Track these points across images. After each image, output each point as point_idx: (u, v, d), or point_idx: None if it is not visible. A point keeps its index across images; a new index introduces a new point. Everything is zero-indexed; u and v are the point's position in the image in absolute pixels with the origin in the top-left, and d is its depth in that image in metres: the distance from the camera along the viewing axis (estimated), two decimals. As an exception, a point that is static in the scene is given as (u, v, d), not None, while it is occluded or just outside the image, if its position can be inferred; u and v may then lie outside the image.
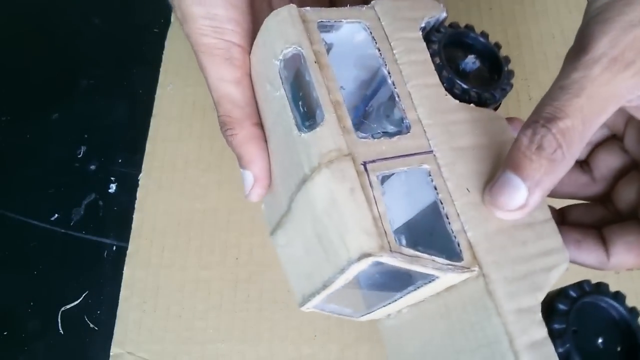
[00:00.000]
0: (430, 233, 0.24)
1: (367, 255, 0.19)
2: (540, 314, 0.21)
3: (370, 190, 0.21)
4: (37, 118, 0.48)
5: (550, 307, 0.23)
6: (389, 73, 0.24)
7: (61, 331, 0.40)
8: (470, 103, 0.25)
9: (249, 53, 0.25)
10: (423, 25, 0.26)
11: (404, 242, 0.22)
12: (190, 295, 0.40)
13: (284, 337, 0.38)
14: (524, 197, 0.21)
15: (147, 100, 0.47)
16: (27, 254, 0.43)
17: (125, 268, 0.41)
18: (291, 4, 0.24)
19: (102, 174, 0.45)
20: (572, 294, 0.23)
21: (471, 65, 0.27)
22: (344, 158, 0.21)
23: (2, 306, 0.41)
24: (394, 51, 0.25)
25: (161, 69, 0.48)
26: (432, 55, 0.25)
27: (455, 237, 0.22)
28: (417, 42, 0.25)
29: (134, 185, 0.44)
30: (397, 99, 0.24)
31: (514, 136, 0.22)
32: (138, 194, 0.44)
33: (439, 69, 0.25)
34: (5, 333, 0.40)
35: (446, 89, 0.25)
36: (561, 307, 0.23)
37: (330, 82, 0.23)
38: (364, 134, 0.22)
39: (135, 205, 0.43)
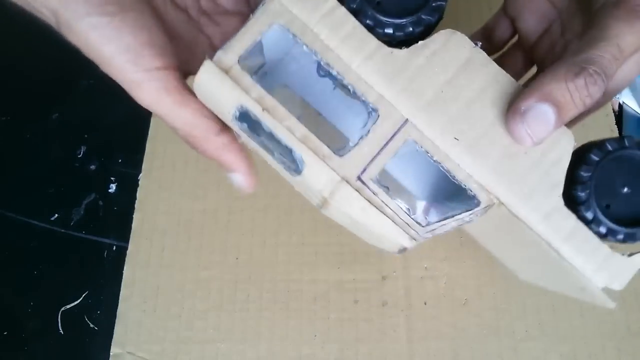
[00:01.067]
0: (449, 190, 0.25)
1: (403, 249, 0.24)
2: (564, 207, 0.24)
3: (377, 197, 0.23)
4: (37, 118, 0.48)
5: (581, 158, 0.25)
6: (328, 65, 0.23)
7: (61, 331, 0.40)
8: (413, 39, 0.24)
9: (175, 64, 0.24)
10: None
11: (430, 215, 0.25)
12: (190, 295, 0.40)
13: (284, 337, 0.38)
14: (551, 130, 0.22)
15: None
16: (27, 254, 0.43)
17: (125, 268, 0.41)
18: (206, 60, 0.23)
19: (102, 174, 0.45)
20: (594, 157, 0.25)
21: None
22: (340, 185, 0.23)
23: (2, 306, 0.41)
24: (321, 37, 0.23)
25: (161, 69, 0.48)
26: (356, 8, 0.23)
27: (465, 185, 0.24)
28: (336, 10, 0.23)
29: (134, 185, 0.44)
30: (351, 89, 0.24)
31: (472, 45, 0.23)
32: (138, 194, 0.44)
33: (361, 17, 0.23)
34: (5, 333, 0.40)
35: (379, 35, 0.23)
36: (583, 173, 0.25)
37: (287, 120, 0.23)
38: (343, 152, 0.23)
39: (135, 205, 0.43)
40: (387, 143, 0.23)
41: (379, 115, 0.23)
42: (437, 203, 0.25)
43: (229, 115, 0.24)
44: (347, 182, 0.23)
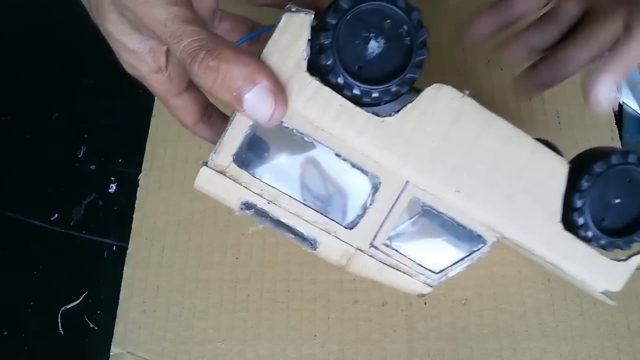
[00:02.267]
0: (459, 237, 0.27)
1: (422, 295, 0.27)
2: (562, 231, 0.26)
3: (390, 257, 0.26)
4: (37, 118, 0.48)
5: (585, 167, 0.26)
6: (321, 144, 0.24)
7: (61, 331, 0.40)
8: (391, 97, 0.24)
9: None
10: (303, 52, 0.23)
11: (442, 264, 0.27)
12: (190, 295, 0.40)
13: (284, 337, 0.38)
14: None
15: (147, 100, 0.47)
16: (27, 254, 0.43)
17: (125, 268, 0.41)
18: (202, 168, 0.24)
19: (102, 174, 0.45)
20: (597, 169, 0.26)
21: (375, 50, 0.23)
22: (355, 254, 0.25)
23: (2, 306, 0.41)
24: (310, 120, 0.23)
25: (161, 69, 0.48)
26: (326, 61, 0.23)
27: (472, 230, 0.26)
28: (319, 91, 0.23)
29: (134, 185, 0.44)
30: (351, 165, 0.24)
31: (460, 95, 0.24)
32: (138, 194, 0.44)
33: (346, 90, 0.23)
34: (5, 333, 0.40)
35: (367, 101, 0.24)
36: (584, 183, 0.26)
37: (293, 206, 0.25)
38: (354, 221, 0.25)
39: (135, 205, 0.43)
40: (392, 207, 0.25)
41: (380, 182, 0.24)
42: (446, 249, 0.27)
43: (235, 207, 0.25)
44: (361, 250, 0.25)
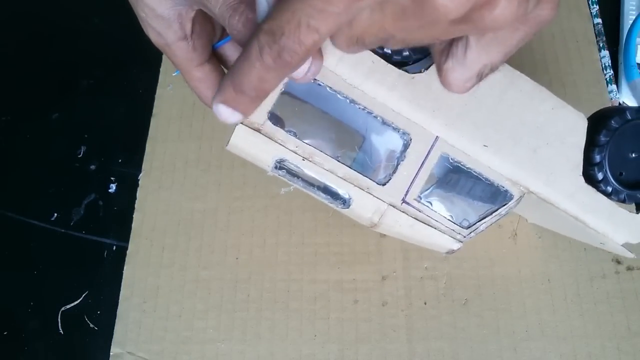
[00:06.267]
0: (486, 193, 0.27)
1: (452, 251, 0.27)
2: (584, 184, 0.26)
3: (422, 213, 0.26)
4: (37, 118, 0.48)
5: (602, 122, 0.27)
6: (354, 102, 0.24)
7: (61, 331, 0.40)
8: (422, 55, 0.24)
9: None
10: None
11: (470, 216, 0.27)
12: (190, 295, 0.40)
13: (284, 337, 0.38)
14: None
15: (147, 100, 0.47)
16: (27, 254, 0.43)
17: (125, 268, 0.41)
18: (237, 126, 0.24)
19: (102, 174, 0.45)
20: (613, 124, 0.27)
21: None
22: (387, 210, 0.26)
23: (2, 306, 0.41)
24: (344, 78, 0.24)
25: (161, 69, 0.48)
26: None
27: (498, 185, 0.26)
28: None
29: (134, 185, 0.44)
30: (380, 120, 0.25)
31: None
32: (138, 194, 0.44)
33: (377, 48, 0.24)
34: (5, 333, 0.40)
35: (397, 60, 0.24)
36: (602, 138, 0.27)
37: (327, 163, 0.25)
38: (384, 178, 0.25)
39: (135, 205, 0.43)
40: (423, 162, 0.25)
41: (411, 139, 0.25)
42: (474, 204, 0.27)
43: (268, 167, 0.25)
44: (393, 206, 0.26)
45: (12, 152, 0.47)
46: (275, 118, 0.25)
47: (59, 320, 0.40)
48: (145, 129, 0.46)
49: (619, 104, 0.45)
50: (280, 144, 0.25)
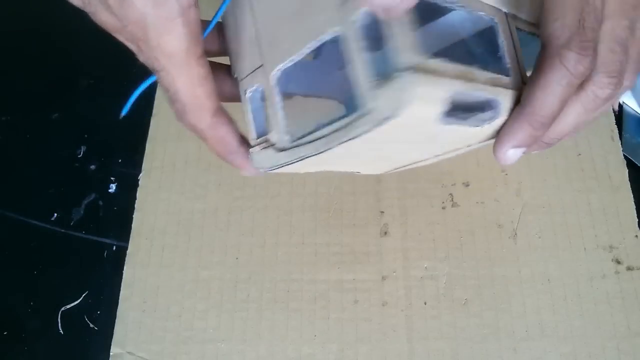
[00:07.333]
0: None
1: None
2: None
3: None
4: (37, 118, 0.48)
5: None
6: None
7: (61, 331, 0.40)
8: None
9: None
10: None
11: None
12: (190, 295, 0.40)
13: (284, 337, 0.38)
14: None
15: (147, 100, 0.47)
16: (27, 254, 0.43)
17: (125, 268, 0.41)
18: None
19: (102, 174, 0.45)
20: None
21: None
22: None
23: (2, 306, 0.41)
24: None
25: (161, 69, 0.48)
26: None
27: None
28: None
29: (134, 185, 0.44)
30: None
31: None
32: (138, 194, 0.44)
33: None
34: (5, 333, 0.40)
35: None
36: None
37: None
38: None
39: (135, 205, 0.43)
40: None
41: None
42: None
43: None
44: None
45: (13, 152, 0.47)
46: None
47: (59, 320, 0.40)
48: (145, 129, 0.46)
49: (620, 104, 0.45)
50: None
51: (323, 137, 0.22)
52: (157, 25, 0.21)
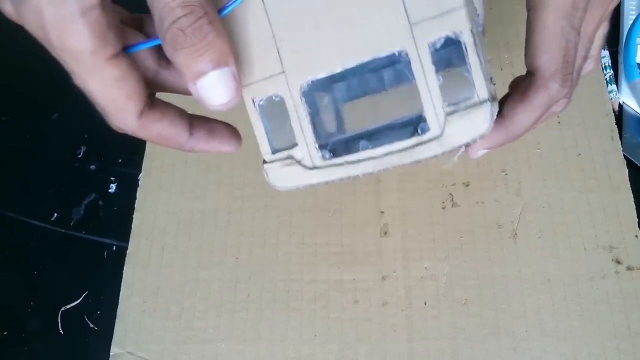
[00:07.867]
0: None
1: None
2: None
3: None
4: (37, 118, 0.48)
5: None
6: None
7: (61, 331, 0.40)
8: None
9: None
10: None
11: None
12: (190, 295, 0.40)
13: (284, 337, 0.38)
14: None
15: (147, 100, 0.47)
16: (27, 254, 0.43)
17: (125, 268, 0.41)
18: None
19: (102, 174, 0.45)
20: None
21: None
22: None
23: (2, 306, 0.41)
24: None
25: (161, 69, 0.48)
26: None
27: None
28: None
29: (134, 185, 0.44)
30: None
31: None
32: (138, 194, 0.44)
33: None
34: (5, 333, 0.40)
35: None
36: None
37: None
38: None
39: (135, 205, 0.43)
40: None
41: None
42: None
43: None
44: None
45: (13, 152, 0.47)
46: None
47: (59, 320, 0.40)
48: (145, 129, 0.46)
49: (620, 104, 0.45)
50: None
51: (376, 157, 0.23)
52: (57, 25, 0.19)
